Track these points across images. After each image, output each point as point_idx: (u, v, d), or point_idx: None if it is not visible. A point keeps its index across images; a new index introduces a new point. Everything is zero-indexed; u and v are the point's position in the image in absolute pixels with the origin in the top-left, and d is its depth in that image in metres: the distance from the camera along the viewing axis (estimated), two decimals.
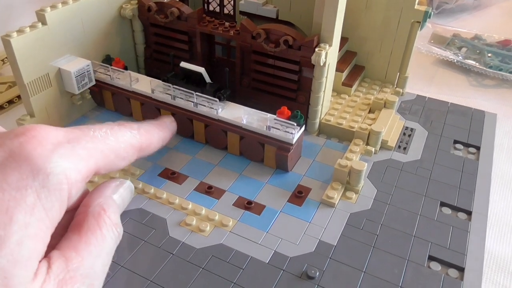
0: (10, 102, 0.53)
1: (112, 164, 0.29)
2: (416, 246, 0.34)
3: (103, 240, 0.26)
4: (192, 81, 0.43)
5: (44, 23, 0.40)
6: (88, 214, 0.26)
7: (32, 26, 0.40)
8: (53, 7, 0.41)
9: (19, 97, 0.53)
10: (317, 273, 0.31)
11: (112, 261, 0.28)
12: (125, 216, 0.36)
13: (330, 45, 0.41)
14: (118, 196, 0.29)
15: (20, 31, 0.38)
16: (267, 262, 0.33)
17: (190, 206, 0.37)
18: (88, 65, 0.44)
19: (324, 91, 0.44)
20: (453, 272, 0.32)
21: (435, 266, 0.33)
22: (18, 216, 0.21)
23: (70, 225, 0.26)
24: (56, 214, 0.24)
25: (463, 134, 0.47)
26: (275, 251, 0.33)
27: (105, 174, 0.40)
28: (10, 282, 0.21)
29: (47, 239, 0.23)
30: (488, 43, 0.66)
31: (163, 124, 0.39)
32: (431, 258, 0.33)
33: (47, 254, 0.24)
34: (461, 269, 0.33)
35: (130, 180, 0.36)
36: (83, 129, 0.28)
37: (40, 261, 0.23)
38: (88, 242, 0.25)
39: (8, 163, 0.22)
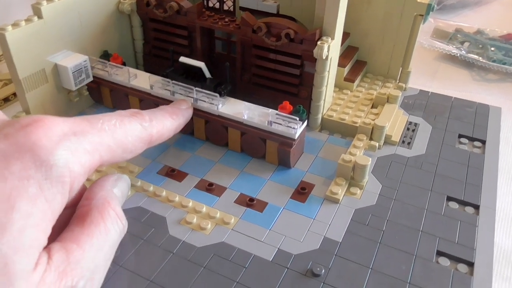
0: (6, 100, 0.52)
1: (117, 157, 0.29)
2: (423, 242, 0.33)
3: (106, 233, 0.25)
4: (191, 77, 0.42)
5: (40, 16, 0.39)
6: (91, 207, 0.26)
7: (28, 20, 0.39)
8: (50, 0, 0.40)
9: (15, 94, 0.52)
10: (323, 271, 0.31)
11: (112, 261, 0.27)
12: (124, 214, 0.35)
13: (332, 39, 0.41)
14: (118, 189, 0.29)
15: (15, 25, 0.38)
16: (270, 260, 0.32)
17: (190, 204, 0.36)
18: (85, 61, 0.43)
19: (326, 86, 0.43)
20: (462, 267, 0.31)
21: (444, 262, 0.32)
22: (20, 205, 0.21)
23: (72, 218, 0.26)
24: (58, 206, 0.23)
25: (468, 128, 0.47)
26: (278, 248, 0.33)
27: (102, 170, 0.39)
28: (10, 268, 0.20)
29: (48, 231, 0.23)
30: (491, 37, 0.65)
31: (178, 112, 0.37)
32: (440, 253, 0.32)
33: (47, 246, 0.23)
34: (470, 264, 0.32)
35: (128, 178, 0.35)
36: (92, 120, 0.27)
37: (40, 252, 0.22)
38: (91, 234, 0.25)
39: (12, 152, 0.22)
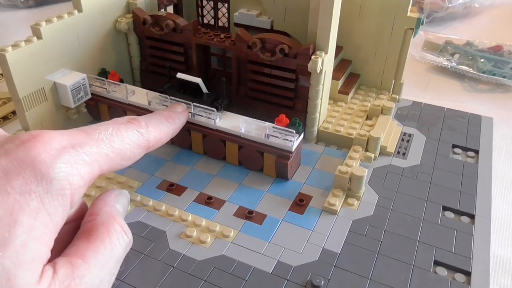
0: (5, 118, 0.52)
1: (117, 166, 0.29)
2: (421, 251, 0.34)
3: (111, 248, 0.26)
4: (189, 92, 0.43)
5: (39, 37, 0.40)
6: (97, 222, 0.26)
7: (27, 41, 0.39)
8: (49, 21, 0.41)
9: (13, 113, 0.52)
10: (322, 282, 0.31)
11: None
12: (129, 228, 0.35)
13: (326, 53, 0.42)
14: (119, 205, 0.29)
15: (15, 46, 0.38)
16: (270, 272, 0.32)
17: (190, 218, 0.36)
18: (83, 79, 0.44)
19: (321, 99, 0.44)
20: (459, 277, 0.32)
21: (441, 271, 0.32)
22: (22, 219, 0.21)
23: (78, 233, 0.26)
24: (59, 219, 0.23)
25: (461, 138, 0.47)
26: (278, 260, 0.33)
27: (102, 186, 0.39)
28: (13, 283, 0.20)
29: (50, 243, 0.23)
30: (480, 49, 0.66)
31: (174, 115, 0.37)
32: (437, 263, 0.33)
33: (50, 261, 0.23)
34: (467, 273, 0.32)
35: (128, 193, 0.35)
36: (89, 131, 0.28)
37: (45, 266, 0.22)
38: (97, 250, 0.25)
39: (13, 168, 0.22)
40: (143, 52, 0.51)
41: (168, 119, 0.36)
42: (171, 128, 0.36)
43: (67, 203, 0.24)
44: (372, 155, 0.43)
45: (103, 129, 0.28)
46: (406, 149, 0.46)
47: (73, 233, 0.27)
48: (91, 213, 0.27)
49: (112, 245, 0.26)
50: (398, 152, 0.45)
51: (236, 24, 0.51)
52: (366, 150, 0.44)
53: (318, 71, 0.41)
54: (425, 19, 0.51)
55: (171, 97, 0.42)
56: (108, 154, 0.27)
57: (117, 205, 0.29)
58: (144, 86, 0.52)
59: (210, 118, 0.41)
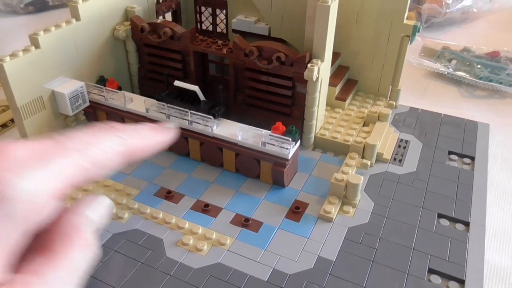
0: (4, 126, 0.52)
1: (93, 175, 0.26)
2: (415, 259, 0.34)
3: (72, 263, 0.24)
4: (186, 100, 0.43)
5: (37, 46, 0.40)
6: (58, 234, 0.24)
7: (25, 50, 0.40)
8: (46, 30, 0.41)
9: (12, 120, 0.52)
10: None
11: (110, 285, 0.27)
12: (121, 237, 0.35)
13: (322, 61, 0.42)
14: (93, 212, 0.27)
15: (13, 55, 0.39)
16: (266, 280, 0.32)
17: (186, 225, 0.37)
18: (82, 87, 0.44)
19: (318, 106, 0.44)
20: (453, 285, 0.32)
21: (435, 279, 0.32)
22: None
23: (37, 245, 0.24)
24: (19, 243, 0.21)
25: (457, 144, 0.48)
26: (274, 268, 0.33)
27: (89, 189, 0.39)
28: None
29: (2, 270, 0.20)
30: (477, 55, 0.67)
31: (160, 128, 0.36)
32: (431, 271, 0.33)
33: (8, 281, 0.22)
34: (461, 282, 0.32)
35: (125, 201, 0.35)
36: (61, 140, 0.25)
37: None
38: (55, 266, 0.23)
39: None
40: (141, 59, 0.52)
41: (153, 130, 0.35)
42: (157, 138, 0.35)
43: (30, 225, 0.21)
44: (369, 162, 0.43)
45: (77, 136, 0.26)
46: (402, 156, 0.46)
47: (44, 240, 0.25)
48: (53, 223, 0.25)
49: (73, 260, 0.23)
50: (395, 159, 0.45)
51: (234, 31, 0.52)
52: (363, 157, 0.44)
53: (314, 79, 0.41)
54: (421, 26, 0.51)
55: (168, 104, 0.42)
56: (82, 164, 0.25)
57: (90, 213, 0.27)
58: (142, 92, 0.53)
59: (207, 125, 0.42)
